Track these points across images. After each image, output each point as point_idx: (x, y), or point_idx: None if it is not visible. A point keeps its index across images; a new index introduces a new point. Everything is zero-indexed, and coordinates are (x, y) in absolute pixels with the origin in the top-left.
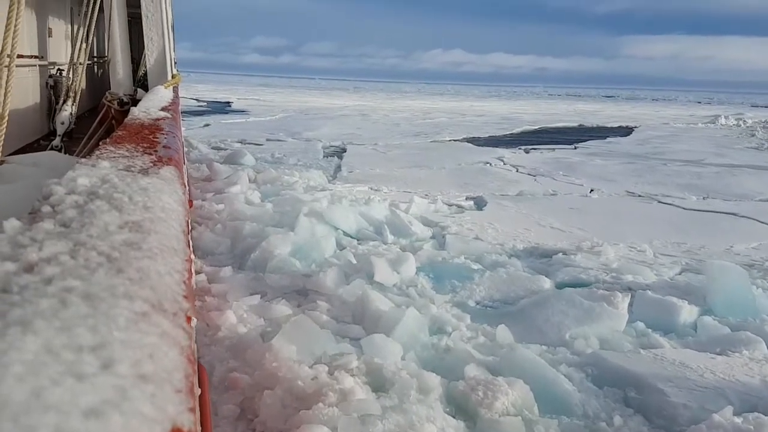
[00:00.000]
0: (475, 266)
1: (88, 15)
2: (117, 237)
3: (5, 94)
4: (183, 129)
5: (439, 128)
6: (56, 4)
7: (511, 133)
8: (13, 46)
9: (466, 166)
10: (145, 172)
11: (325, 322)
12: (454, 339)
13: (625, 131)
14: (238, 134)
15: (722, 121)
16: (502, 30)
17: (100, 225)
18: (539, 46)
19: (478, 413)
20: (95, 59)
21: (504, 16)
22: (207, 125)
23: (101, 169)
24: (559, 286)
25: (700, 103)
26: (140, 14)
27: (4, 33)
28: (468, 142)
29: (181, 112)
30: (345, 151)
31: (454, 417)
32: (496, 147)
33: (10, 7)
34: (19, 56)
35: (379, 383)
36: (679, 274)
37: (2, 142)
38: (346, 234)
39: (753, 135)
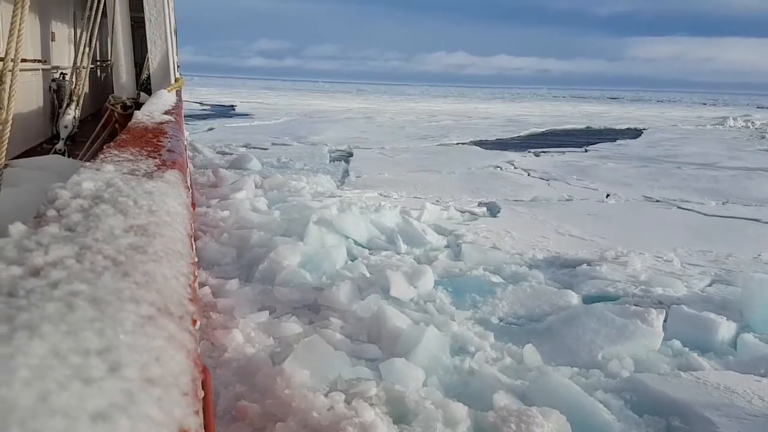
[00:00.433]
0: (495, 279)
1: (91, 19)
2: (122, 241)
3: (9, 98)
4: (186, 133)
5: (446, 131)
6: (59, 9)
7: (519, 136)
8: (16, 50)
9: (476, 170)
10: (149, 175)
11: (338, 341)
12: (478, 360)
13: (635, 133)
14: (243, 138)
15: (730, 122)
16: (505, 32)
17: (105, 229)
18: (542, 48)
19: None
20: (98, 63)
21: (506, 18)
22: (211, 129)
23: (106, 173)
24: (586, 300)
25: (705, 104)
26: (143, 18)
27: (8, 37)
28: (476, 145)
29: (185, 116)
30: (351, 155)
31: None
32: (505, 150)
33: (13, 11)
34: (23, 60)
35: (401, 414)
36: (710, 285)
37: (6, 145)
38: (357, 243)
39: (763, 137)
